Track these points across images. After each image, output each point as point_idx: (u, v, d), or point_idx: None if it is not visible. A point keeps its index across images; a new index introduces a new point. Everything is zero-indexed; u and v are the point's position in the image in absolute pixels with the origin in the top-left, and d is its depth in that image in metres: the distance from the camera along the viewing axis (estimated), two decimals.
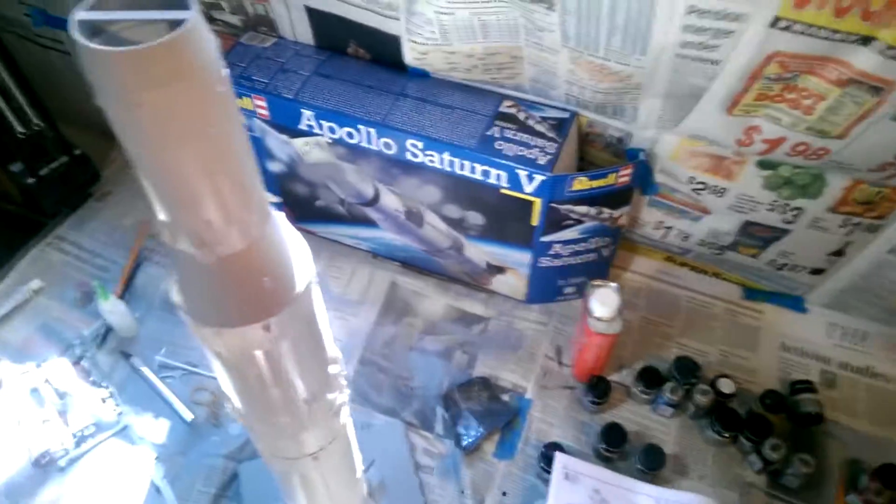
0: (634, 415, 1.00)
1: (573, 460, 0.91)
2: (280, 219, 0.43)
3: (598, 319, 0.92)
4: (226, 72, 0.32)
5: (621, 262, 1.14)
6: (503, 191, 0.91)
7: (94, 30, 0.30)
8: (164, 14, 0.29)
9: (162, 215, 0.36)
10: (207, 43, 0.30)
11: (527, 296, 1.10)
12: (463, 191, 0.94)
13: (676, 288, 1.13)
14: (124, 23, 0.30)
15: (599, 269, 1.07)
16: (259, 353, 0.44)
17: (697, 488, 0.91)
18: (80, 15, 0.29)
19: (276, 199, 0.38)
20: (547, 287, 1.08)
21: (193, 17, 0.29)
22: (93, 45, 0.28)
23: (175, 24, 0.28)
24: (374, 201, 1.03)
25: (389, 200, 1.02)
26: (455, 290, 1.14)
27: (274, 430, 0.55)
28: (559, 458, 0.90)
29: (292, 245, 0.44)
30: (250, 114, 0.98)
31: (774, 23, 0.64)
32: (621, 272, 1.14)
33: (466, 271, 1.11)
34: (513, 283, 1.09)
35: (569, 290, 1.09)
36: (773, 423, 0.93)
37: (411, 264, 1.16)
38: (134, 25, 0.30)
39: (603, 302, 0.92)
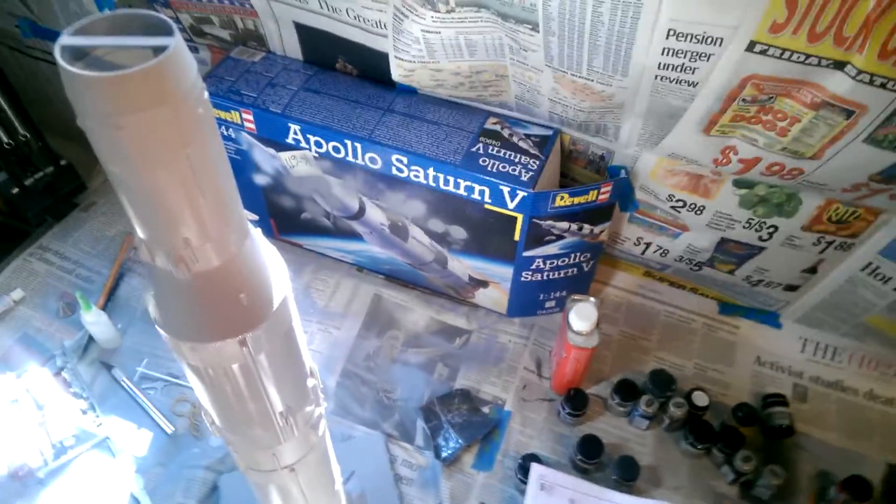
0: (611, 427, 1.01)
1: (549, 471, 0.92)
2: (258, 235, 0.44)
3: (577, 333, 0.94)
4: (206, 94, 0.33)
5: (601, 277, 1.16)
6: (486, 206, 0.92)
7: (78, 53, 0.31)
8: (146, 41, 0.30)
9: (140, 232, 0.37)
10: (188, 67, 0.31)
11: (508, 309, 1.11)
12: (447, 206, 0.96)
13: (655, 302, 1.15)
14: (108, 47, 0.30)
15: (580, 284, 1.08)
16: (235, 368, 0.45)
17: (671, 498, 0.92)
18: (64, 40, 0.30)
19: (253, 216, 0.38)
20: (528, 301, 1.09)
21: (175, 43, 0.29)
22: (75, 70, 0.28)
23: (158, 50, 0.29)
24: (359, 215, 1.04)
25: (375, 214, 1.03)
26: (438, 303, 1.15)
27: (250, 443, 0.55)
28: (535, 468, 0.91)
29: (269, 261, 0.45)
30: (238, 127, 0.99)
31: (751, 47, 0.66)
32: (601, 286, 1.16)
33: (450, 284, 1.12)
34: (495, 296, 1.10)
35: (550, 303, 1.10)
36: (746, 436, 0.95)
37: (395, 277, 1.17)
38: (117, 50, 0.31)
39: (581, 316, 0.93)
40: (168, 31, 0.30)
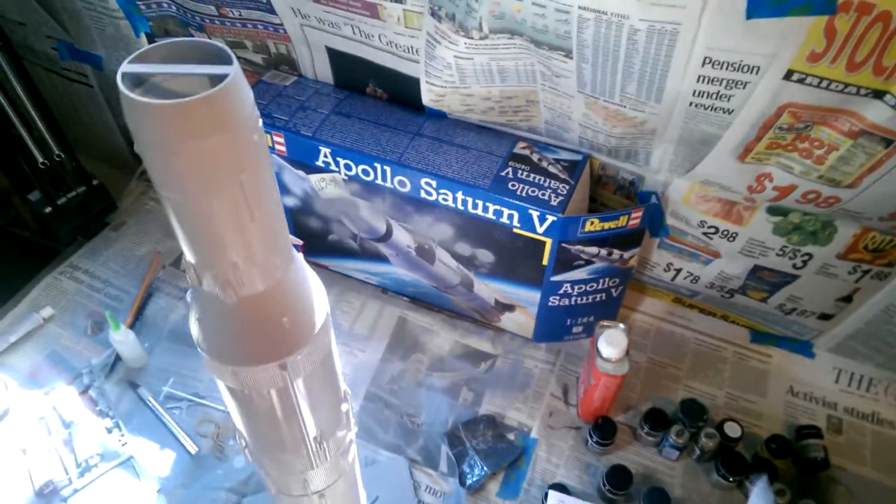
0: (640, 456, 0.99)
1: (570, 499, 0.90)
2: (300, 260, 0.44)
3: (606, 360, 0.92)
4: (260, 121, 0.33)
5: (630, 303, 1.14)
6: (515, 230, 0.92)
7: (137, 80, 0.31)
8: (206, 69, 0.30)
9: (189, 256, 0.37)
10: (246, 96, 0.31)
11: (535, 334, 1.10)
12: (475, 229, 0.95)
13: (685, 329, 1.13)
14: (169, 75, 0.31)
15: (608, 310, 1.07)
16: (273, 392, 0.45)
17: None
18: (125, 67, 0.30)
19: (298, 241, 0.38)
20: (555, 326, 1.08)
21: (235, 71, 0.30)
22: (136, 97, 0.29)
23: (216, 78, 0.30)
24: (386, 237, 1.05)
25: (401, 237, 1.03)
26: (463, 326, 1.14)
27: (282, 468, 0.55)
28: (553, 496, 0.89)
29: (311, 286, 0.45)
30: (269, 150, 0.99)
31: (788, 75, 0.66)
32: (630, 312, 1.15)
33: (475, 308, 1.11)
34: (521, 321, 1.09)
35: (577, 329, 1.09)
36: (779, 468, 0.92)
37: (421, 300, 1.16)
38: (174, 77, 0.31)
39: (611, 343, 0.92)
40: (227, 60, 0.30)
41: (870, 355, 1.02)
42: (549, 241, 0.91)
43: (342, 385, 0.53)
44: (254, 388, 0.43)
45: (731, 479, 0.93)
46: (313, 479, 0.57)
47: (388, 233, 1.04)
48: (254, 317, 0.39)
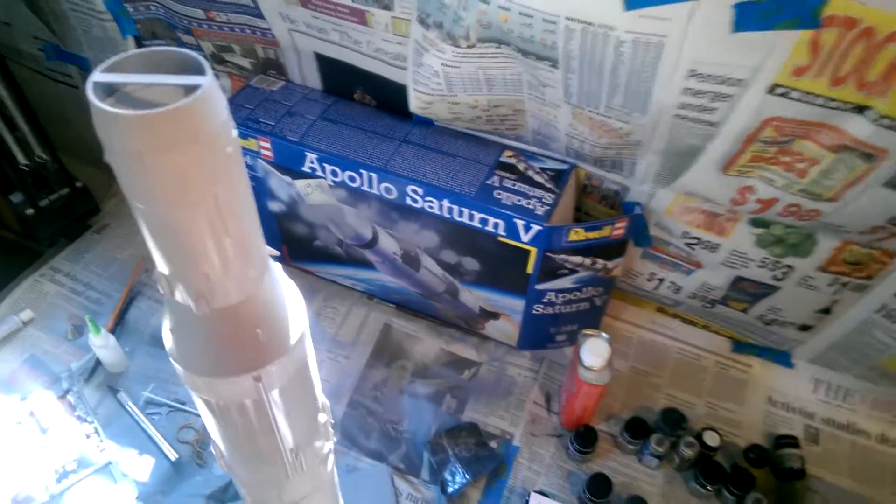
0: (620, 465, 0.99)
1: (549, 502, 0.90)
2: (277, 270, 0.43)
3: (589, 369, 0.92)
4: (235, 132, 0.33)
5: (613, 312, 1.15)
6: (500, 239, 0.92)
7: (110, 89, 0.31)
8: (179, 79, 0.30)
9: (161, 267, 0.36)
10: (220, 107, 0.31)
11: (519, 342, 1.10)
12: (460, 237, 0.95)
13: (667, 339, 1.13)
14: (140, 85, 0.30)
15: (591, 318, 1.07)
16: (248, 403, 0.44)
17: None
18: (96, 77, 0.30)
19: (275, 252, 0.38)
20: (539, 334, 1.08)
21: (208, 82, 0.29)
22: (106, 108, 0.28)
23: (189, 89, 0.29)
24: (372, 244, 1.04)
25: (387, 243, 1.03)
26: (448, 333, 1.14)
27: (259, 478, 0.54)
28: (535, 498, 0.89)
29: (288, 297, 0.44)
30: (255, 154, 0.99)
31: (772, 89, 0.67)
32: (613, 321, 1.15)
33: (460, 315, 1.11)
34: (505, 328, 1.09)
35: (560, 337, 1.09)
36: (757, 478, 0.93)
37: (406, 307, 1.16)
38: (149, 87, 0.31)
39: (594, 352, 0.92)
40: (200, 70, 0.30)
41: (848, 366, 1.03)
42: (533, 251, 0.91)
43: (320, 396, 0.53)
44: (228, 399, 0.43)
45: (709, 488, 0.93)
46: (289, 489, 0.57)
47: (374, 239, 1.03)
48: (227, 328, 0.39)
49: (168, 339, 0.42)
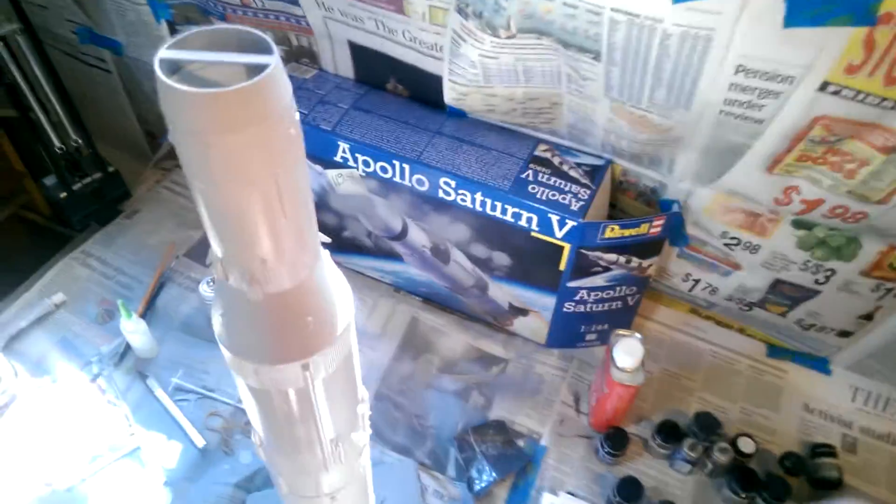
0: (651, 469, 0.98)
1: (561, 498, 0.89)
2: (327, 258, 0.43)
3: (622, 370, 0.91)
4: (297, 115, 0.32)
5: (645, 311, 1.13)
6: (533, 234, 0.91)
7: (174, 67, 0.30)
8: (246, 58, 0.29)
9: (217, 249, 0.36)
10: (285, 88, 0.30)
11: (548, 340, 1.09)
12: (492, 231, 0.94)
13: (700, 341, 1.11)
14: (208, 62, 0.30)
15: (623, 318, 1.05)
16: (293, 391, 0.44)
17: None
18: (163, 53, 0.29)
19: (327, 238, 0.37)
20: (569, 332, 1.07)
21: (275, 62, 0.29)
22: (174, 84, 0.28)
23: (255, 69, 0.29)
24: (401, 236, 1.03)
25: (417, 236, 1.02)
26: (476, 329, 1.13)
27: (296, 468, 0.54)
28: (547, 499, 0.88)
29: (336, 285, 0.43)
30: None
31: (823, 87, 0.65)
32: (644, 321, 1.13)
33: (488, 311, 1.10)
34: (535, 325, 1.08)
35: (591, 336, 1.08)
36: (792, 487, 0.91)
37: (433, 300, 1.15)
38: (212, 65, 0.30)
39: (627, 352, 0.91)
40: (267, 50, 0.29)
41: (888, 375, 1.01)
42: (567, 247, 0.90)
43: (361, 388, 0.52)
44: (274, 386, 0.42)
45: (742, 496, 0.91)
46: (326, 480, 0.56)
47: (404, 231, 1.03)
48: (279, 315, 0.38)
49: (217, 324, 0.41)
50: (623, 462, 0.98)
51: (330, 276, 0.42)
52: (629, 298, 1.01)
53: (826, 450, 0.96)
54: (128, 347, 1.05)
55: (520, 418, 1.03)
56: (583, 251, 0.90)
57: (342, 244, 1.12)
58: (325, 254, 0.42)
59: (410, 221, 1.00)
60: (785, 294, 0.96)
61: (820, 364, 1.06)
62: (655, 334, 1.12)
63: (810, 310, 0.96)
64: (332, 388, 0.46)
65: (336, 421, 0.48)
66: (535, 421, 1.03)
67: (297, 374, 0.42)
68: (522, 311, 1.06)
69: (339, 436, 0.51)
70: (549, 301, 1.01)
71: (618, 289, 0.98)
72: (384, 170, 0.95)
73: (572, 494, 0.91)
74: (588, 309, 1.01)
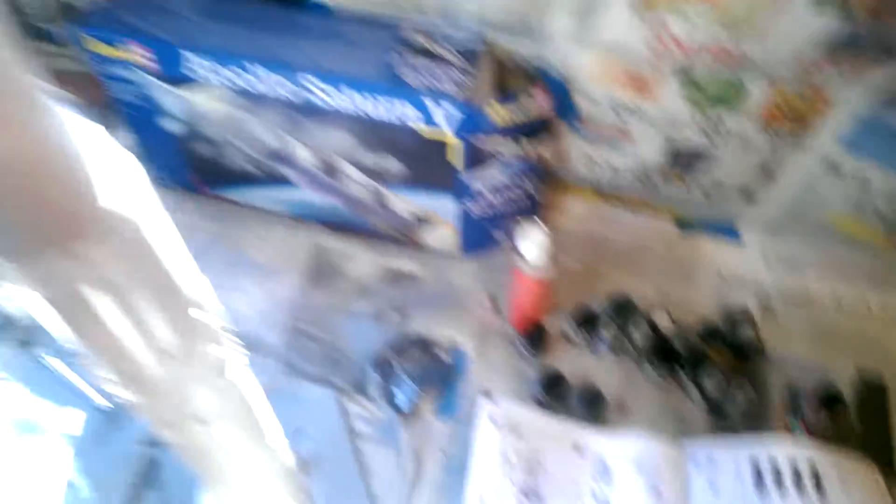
0: (575, 360, 0.96)
1: (502, 405, 0.86)
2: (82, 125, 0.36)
3: (530, 263, 0.88)
4: None
5: (553, 204, 1.09)
6: (415, 128, 0.85)
7: None
8: None
9: None
10: None
11: (460, 248, 1.05)
12: (373, 134, 0.88)
13: (611, 227, 1.09)
14: None
15: (531, 213, 1.02)
16: (85, 290, 0.38)
17: (641, 426, 0.88)
18: None
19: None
20: (480, 237, 1.03)
21: None
22: None
23: None
24: (283, 154, 0.96)
25: (300, 153, 0.95)
26: (386, 248, 1.08)
27: (145, 391, 0.48)
28: (483, 405, 0.85)
29: (103, 157, 0.37)
30: (128, 65, 0.88)
31: None
32: (555, 215, 1.10)
33: (394, 226, 1.05)
34: (444, 235, 1.03)
35: (502, 237, 1.04)
36: (712, 356, 0.90)
37: (337, 225, 1.09)
38: None
39: (533, 244, 0.87)
40: None
41: (797, 232, 1.00)
42: (453, 138, 0.84)
43: (192, 292, 0.47)
44: (54, 286, 0.36)
45: (664, 371, 0.91)
46: (185, 400, 0.51)
47: (285, 149, 0.95)
48: (20, 189, 0.32)
49: None
50: (547, 357, 0.96)
51: (83, 143, 0.35)
52: (533, 191, 0.98)
53: (743, 316, 0.95)
54: (8, 316, 0.97)
55: (440, 331, 0.99)
56: (470, 140, 0.85)
57: (227, 176, 1.04)
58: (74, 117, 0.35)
59: (289, 137, 0.93)
60: (683, 162, 0.93)
61: (730, 231, 1.05)
62: (567, 226, 1.09)
63: (710, 174, 0.94)
64: (131, 283, 0.40)
65: (159, 325, 0.43)
66: (456, 331, 0.99)
67: (70, 266, 0.35)
68: (428, 221, 1.01)
69: (173, 345, 0.45)
70: (450, 205, 0.96)
71: (519, 180, 0.94)
72: (248, 81, 0.86)
73: (500, 398, 0.89)
74: (492, 207, 0.97)
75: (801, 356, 0.95)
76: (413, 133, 0.85)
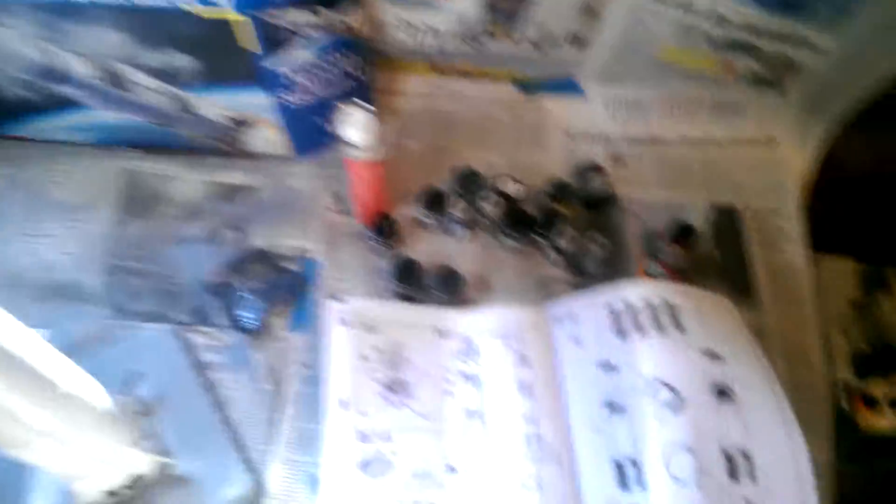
0: (431, 245, 0.90)
1: (351, 303, 0.80)
2: None
3: (357, 148, 0.79)
4: None
5: (385, 86, 1.00)
6: (188, 8, 0.72)
7: None
8: None
9: None
10: None
11: (292, 149, 0.95)
12: (150, 28, 0.75)
13: (452, 101, 1.02)
14: None
15: (362, 98, 0.92)
16: None
17: (503, 299, 0.85)
18: None
19: None
20: (310, 132, 0.93)
21: None
22: None
23: None
24: (55, 71, 0.82)
25: (75, 66, 0.81)
26: (209, 162, 0.96)
27: None
28: (329, 307, 0.79)
29: None
30: None
31: None
32: (389, 97, 1.01)
33: (212, 136, 0.93)
34: (269, 136, 0.93)
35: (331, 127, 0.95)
36: (565, 214, 0.87)
37: (147, 145, 0.96)
38: None
39: (356, 127, 0.79)
40: None
41: (633, 77, 0.97)
42: (235, 14, 0.73)
43: None
44: None
45: (519, 238, 0.87)
46: None
47: (54, 63, 0.81)
48: None
49: None
50: (402, 247, 0.90)
51: None
52: (355, 72, 0.88)
53: (593, 168, 0.92)
54: None
55: (284, 241, 0.91)
56: (259, 16, 0.74)
57: (5, 110, 0.88)
58: None
59: (53, 47, 0.78)
60: (504, 12, 0.86)
61: (571, 86, 1.00)
62: (407, 107, 1.01)
63: (536, 23, 0.87)
64: None
65: None
66: (303, 238, 0.91)
67: None
68: (246, 123, 0.90)
69: None
70: (262, 99, 0.85)
71: (333, 61, 0.84)
72: None
73: (349, 297, 0.83)
74: (312, 96, 0.87)
75: (654, 199, 0.94)
76: (189, 17, 0.73)
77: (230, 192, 0.95)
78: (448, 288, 0.83)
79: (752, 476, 0.64)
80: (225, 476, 0.75)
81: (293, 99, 0.86)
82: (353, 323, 0.78)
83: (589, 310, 0.78)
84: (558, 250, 0.86)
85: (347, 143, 0.80)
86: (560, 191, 0.90)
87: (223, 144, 0.95)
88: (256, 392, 0.81)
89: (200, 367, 0.83)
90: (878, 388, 0.84)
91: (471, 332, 0.80)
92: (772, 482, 0.64)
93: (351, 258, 0.90)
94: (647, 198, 0.94)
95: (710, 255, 0.87)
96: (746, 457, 0.64)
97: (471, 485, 0.70)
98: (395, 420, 0.74)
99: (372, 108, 0.79)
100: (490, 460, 0.71)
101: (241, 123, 0.91)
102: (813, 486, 0.63)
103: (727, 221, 0.91)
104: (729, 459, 0.64)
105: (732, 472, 0.64)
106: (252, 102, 0.86)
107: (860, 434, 0.80)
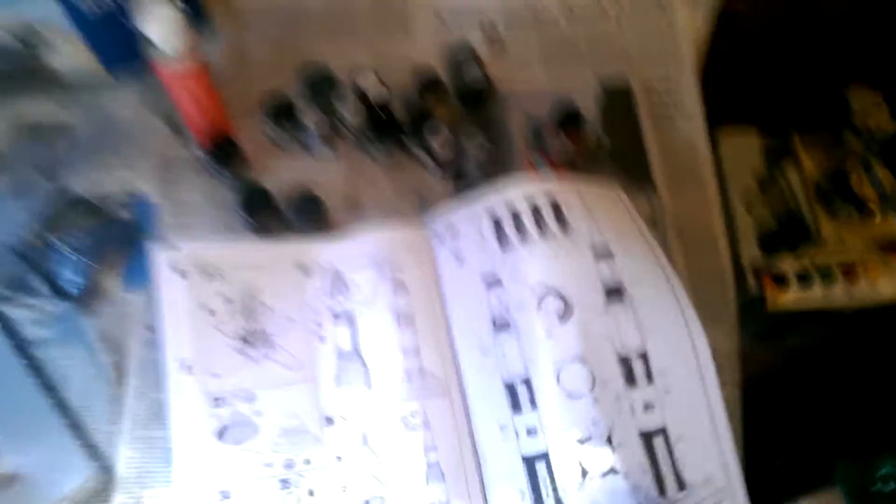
0: (287, 166, 0.77)
1: (186, 248, 0.67)
2: None
3: (167, 52, 0.64)
4: None
5: None
6: None
7: None
8: None
9: None
10: None
11: (104, 66, 0.77)
12: None
13: None
14: None
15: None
16: None
17: (376, 219, 0.73)
18: None
19: None
20: (120, 42, 0.75)
21: None
22: None
23: None
24: None
25: None
26: (10, 97, 0.78)
27: None
28: (161, 255, 0.66)
29: None
30: None
31: None
32: None
33: (5, 65, 0.75)
34: (73, 53, 0.75)
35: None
36: (436, 111, 0.75)
37: None
38: None
39: (161, 26, 0.63)
40: None
41: None
42: None
43: None
44: None
45: (389, 145, 0.75)
46: None
47: None
48: None
49: None
50: (251, 174, 0.76)
51: None
52: None
53: (466, 56, 0.79)
54: None
55: (111, 184, 0.76)
56: None
57: None
58: None
59: None
60: None
61: None
62: (243, 5, 0.84)
63: None
64: None
65: None
66: (132, 175, 0.76)
67: None
68: (39, 40, 0.73)
69: None
70: (50, 6, 0.67)
71: None
72: None
73: (182, 241, 0.69)
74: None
75: (538, 85, 0.82)
76: None
77: (38, 132, 0.78)
78: (308, 215, 0.71)
79: (649, 376, 0.57)
80: (62, 467, 0.63)
81: (83, 4, 0.69)
82: (189, 271, 0.65)
83: (469, 220, 0.67)
84: (433, 156, 0.74)
85: (152, 46, 0.64)
86: (430, 86, 0.77)
87: (17, 69, 0.77)
88: (94, 366, 0.68)
89: (24, 346, 0.69)
90: (787, 264, 0.78)
91: (339, 263, 0.69)
92: (670, 379, 0.57)
93: (192, 194, 0.75)
94: (529, 84, 0.82)
95: (601, 139, 0.77)
96: (643, 357, 0.57)
97: (351, 434, 0.61)
98: (257, 377, 0.63)
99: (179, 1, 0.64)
100: (370, 404, 0.62)
101: (32, 43, 0.73)
102: (714, 376, 0.57)
103: (618, 103, 0.80)
104: (625, 363, 0.57)
105: (629, 377, 0.57)
106: (37, 11, 0.68)
107: (768, 314, 0.75)
